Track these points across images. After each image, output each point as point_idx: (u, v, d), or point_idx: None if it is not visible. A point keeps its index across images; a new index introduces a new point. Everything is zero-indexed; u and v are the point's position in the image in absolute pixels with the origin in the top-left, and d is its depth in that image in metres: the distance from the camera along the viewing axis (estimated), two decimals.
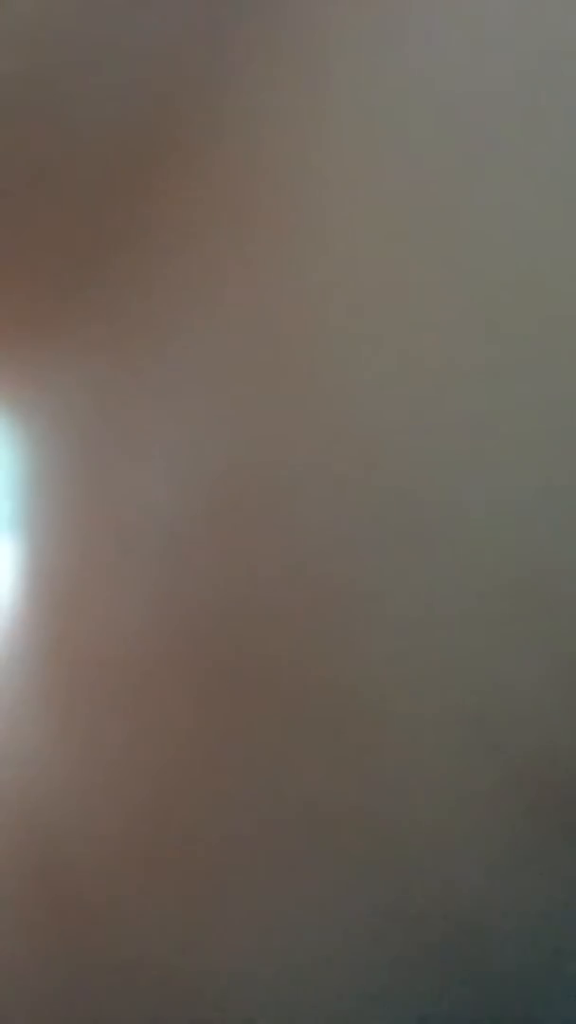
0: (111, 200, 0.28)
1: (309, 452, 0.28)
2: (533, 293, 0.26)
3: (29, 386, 0.30)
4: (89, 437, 0.30)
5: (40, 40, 0.27)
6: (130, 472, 0.29)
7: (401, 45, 0.27)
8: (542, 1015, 0.29)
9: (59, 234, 0.29)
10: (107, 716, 0.29)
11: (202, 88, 0.28)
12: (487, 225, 0.27)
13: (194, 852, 0.29)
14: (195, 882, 0.29)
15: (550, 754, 0.27)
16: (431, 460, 0.27)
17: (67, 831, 0.30)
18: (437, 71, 0.27)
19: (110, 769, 0.29)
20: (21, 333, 0.30)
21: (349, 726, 0.28)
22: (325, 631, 0.28)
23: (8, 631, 0.31)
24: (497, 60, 0.26)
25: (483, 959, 0.29)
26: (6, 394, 0.31)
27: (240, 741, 0.28)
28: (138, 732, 0.29)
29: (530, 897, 0.28)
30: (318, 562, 0.28)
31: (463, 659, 0.27)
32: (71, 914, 0.30)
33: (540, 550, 0.27)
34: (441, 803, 0.28)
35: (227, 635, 0.28)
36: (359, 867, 0.28)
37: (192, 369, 0.28)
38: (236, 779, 0.29)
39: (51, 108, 0.27)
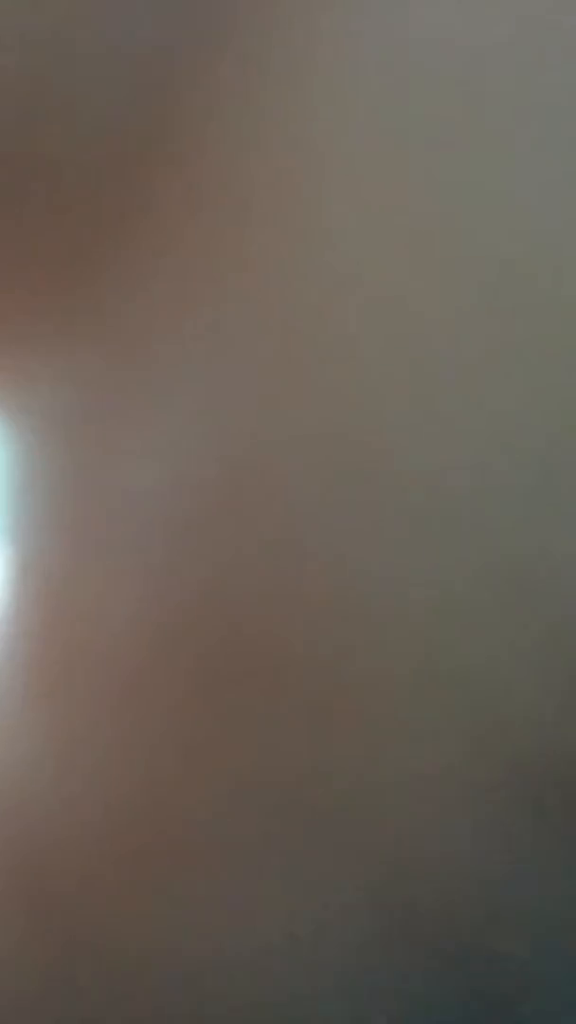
0: (103, 198, 0.29)
1: (301, 443, 0.28)
2: (535, 272, 0.27)
3: (20, 381, 0.31)
4: (80, 430, 0.30)
5: (40, 35, 0.27)
6: (122, 465, 0.29)
7: (400, 24, 0.27)
8: (538, 1002, 0.29)
9: (50, 231, 0.29)
10: (99, 708, 0.29)
11: (198, 81, 0.28)
12: (488, 204, 0.27)
13: (186, 840, 0.29)
14: (187, 870, 0.29)
15: (549, 740, 0.28)
16: (429, 447, 0.27)
17: (58, 823, 0.30)
18: (436, 52, 0.27)
19: (102, 762, 0.29)
20: (10, 331, 0.30)
21: (344, 715, 0.28)
22: (319, 620, 0.28)
23: (1, 626, 0.31)
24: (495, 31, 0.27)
25: (477, 943, 0.29)
26: (5, 383, 0.31)
27: (233, 730, 0.29)
28: (131, 724, 0.29)
29: (526, 883, 0.29)
30: (312, 552, 0.28)
31: (462, 645, 0.27)
32: (59, 906, 0.30)
33: (539, 535, 0.27)
34: (437, 789, 0.28)
35: (219, 626, 0.28)
36: (353, 855, 0.28)
37: (182, 360, 0.29)
38: (228, 767, 0.29)
39: (48, 105, 0.28)
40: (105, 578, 0.29)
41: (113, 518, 0.29)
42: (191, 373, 0.29)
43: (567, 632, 0.28)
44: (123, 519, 0.29)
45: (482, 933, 0.29)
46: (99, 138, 0.28)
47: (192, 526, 0.29)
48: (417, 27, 0.27)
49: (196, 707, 0.29)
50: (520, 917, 0.29)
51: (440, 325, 0.27)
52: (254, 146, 0.28)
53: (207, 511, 0.29)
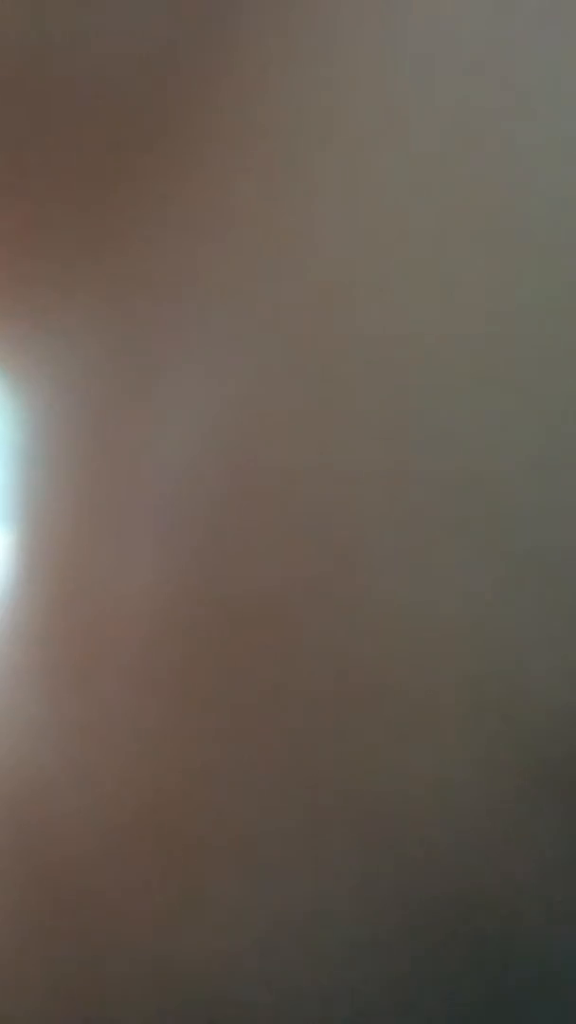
0: (113, 154, 0.29)
1: (319, 402, 0.28)
2: (536, 275, 0.27)
3: (25, 354, 0.30)
4: (88, 403, 0.30)
5: (45, 18, 0.28)
6: (129, 438, 0.29)
7: (399, 36, 0.28)
8: (544, 978, 0.29)
9: (62, 191, 0.29)
10: (108, 685, 0.29)
11: (200, 69, 0.28)
12: (484, 212, 0.27)
13: (196, 819, 0.29)
14: (193, 852, 0.29)
15: (555, 719, 0.27)
16: (449, 414, 0.27)
17: (67, 802, 0.30)
18: (435, 63, 0.27)
19: (111, 739, 0.29)
20: (16, 304, 0.30)
21: (352, 693, 0.28)
22: (334, 591, 0.28)
23: (9, 598, 0.31)
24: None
25: (483, 926, 0.29)
26: (10, 356, 0.31)
27: (245, 709, 0.28)
28: (140, 700, 0.29)
29: (532, 863, 0.28)
30: (326, 521, 0.28)
31: (470, 623, 0.27)
32: (66, 883, 0.30)
33: (553, 514, 0.27)
34: (443, 769, 0.28)
35: (232, 599, 0.28)
36: (360, 836, 0.28)
37: (191, 332, 0.29)
38: (241, 747, 0.28)
39: (54, 63, 0.28)
40: (113, 552, 0.29)
41: (121, 491, 0.29)
42: (199, 345, 0.29)
43: None
44: (131, 492, 0.29)
45: (500, 921, 0.29)
46: (109, 99, 0.28)
47: (201, 497, 0.29)
48: (416, 38, 0.28)
49: (207, 683, 0.29)
50: (538, 903, 0.29)
51: (455, 290, 0.27)
52: (258, 132, 0.28)
53: (216, 482, 0.28)
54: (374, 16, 0.28)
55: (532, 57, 0.27)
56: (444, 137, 0.27)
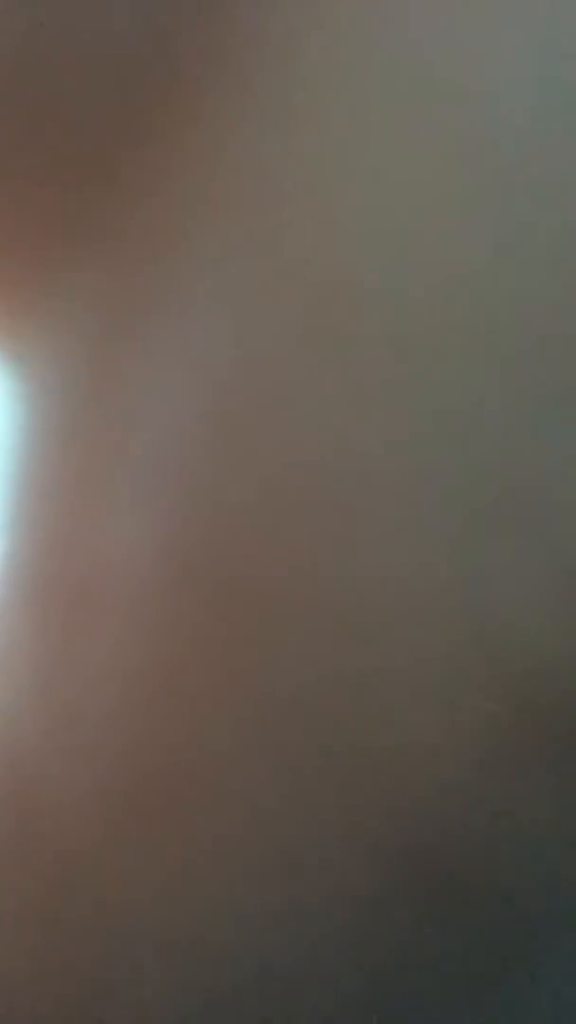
0: (104, 132, 0.29)
1: (309, 357, 0.28)
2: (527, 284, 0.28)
3: (21, 325, 0.31)
4: (82, 374, 0.30)
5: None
6: (130, 402, 0.29)
7: (392, 39, 0.28)
8: (536, 926, 0.30)
9: (58, 169, 0.29)
10: (99, 643, 0.29)
11: (196, 56, 0.28)
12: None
13: (188, 786, 0.29)
14: (190, 817, 0.29)
15: (544, 665, 0.28)
16: (434, 366, 0.27)
17: (52, 774, 0.30)
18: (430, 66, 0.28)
19: (107, 709, 0.30)
20: (17, 269, 0.30)
21: (346, 644, 0.28)
22: (325, 547, 0.28)
23: (5, 555, 0.31)
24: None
25: (473, 868, 0.29)
26: (9, 326, 0.31)
27: (236, 676, 0.29)
28: (135, 669, 0.29)
29: (521, 809, 0.29)
30: (320, 479, 0.28)
31: (461, 574, 0.28)
32: (54, 860, 0.30)
33: (537, 456, 0.27)
34: (435, 718, 0.28)
35: (228, 570, 0.28)
36: (353, 786, 0.29)
37: (192, 284, 0.29)
38: (232, 715, 0.29)
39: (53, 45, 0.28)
40: (104, 519, 0.30)
41: (114, 459, 0.30)
42: (194, 317, 0.29)
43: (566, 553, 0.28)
44: (123, 459, 0.29)
45: (486, 873, 0.29)
46: (101, 77, 0.29)
47: (193, 465, 0.29)
48: (415, 34, 0.28)
49: (201, 652, 0.29)
50: (525, 854, 0.29)
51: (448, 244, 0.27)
52: (249, 111, 0.28)
53: (207, 449, 0.29)
54: (371, 14, 0.28)
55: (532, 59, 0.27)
56: (439, 126, 0.28)
